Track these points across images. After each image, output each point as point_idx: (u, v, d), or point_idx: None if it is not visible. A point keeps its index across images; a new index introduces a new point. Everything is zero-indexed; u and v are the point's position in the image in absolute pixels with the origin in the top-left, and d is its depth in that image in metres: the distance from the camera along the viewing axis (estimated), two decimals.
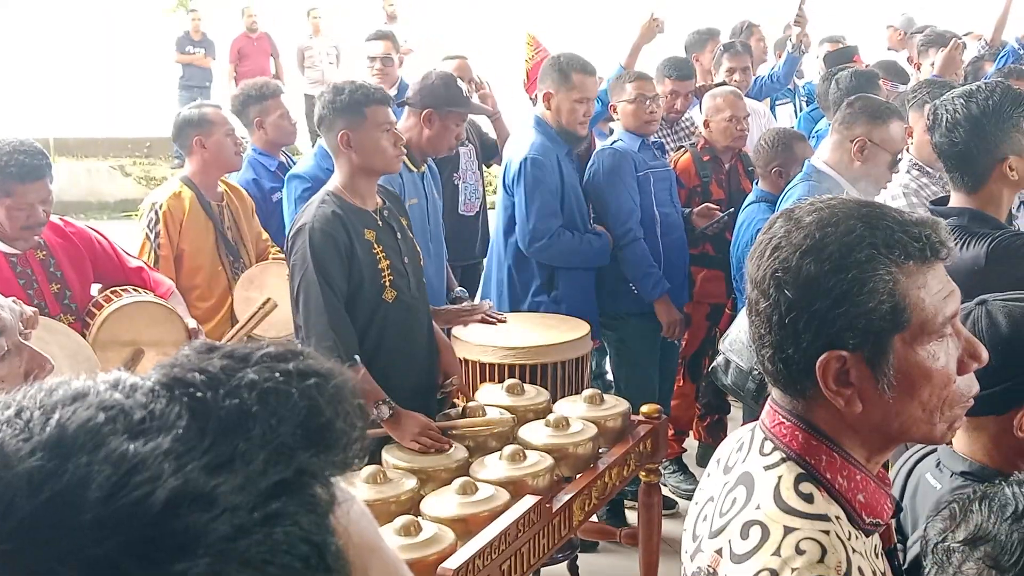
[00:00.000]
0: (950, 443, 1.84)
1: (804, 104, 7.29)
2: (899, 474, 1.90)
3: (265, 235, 4.36)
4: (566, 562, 3.82)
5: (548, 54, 5.23)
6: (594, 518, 3.72)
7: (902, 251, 1.28)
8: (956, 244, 2.59)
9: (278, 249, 4.20)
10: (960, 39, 5.10)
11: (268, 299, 3.81)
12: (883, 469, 1.42)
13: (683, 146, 5.20)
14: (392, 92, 5.31)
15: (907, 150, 3.62)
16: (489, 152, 5.45)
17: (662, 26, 5.34)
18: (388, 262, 3.33)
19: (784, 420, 1.36)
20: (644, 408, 3.58)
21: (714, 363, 3.29)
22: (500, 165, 4.84)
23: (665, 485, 4.75)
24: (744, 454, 1.41)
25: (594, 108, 4.56)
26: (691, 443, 5.26)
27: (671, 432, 4.74)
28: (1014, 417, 1.74)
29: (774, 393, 1.39)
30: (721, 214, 4.75)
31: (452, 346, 3.77)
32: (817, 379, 1.29)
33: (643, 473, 3.55)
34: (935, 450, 1.86)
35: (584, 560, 4.00)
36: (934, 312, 1.29)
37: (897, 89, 5.03)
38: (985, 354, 1.36)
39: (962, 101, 2.65)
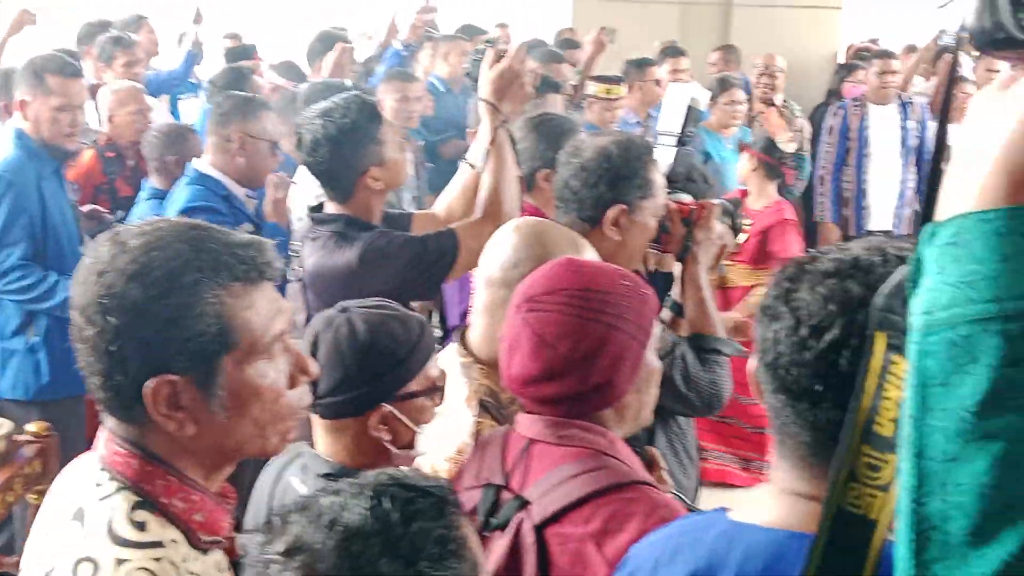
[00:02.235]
0: (313, 446, 1.92)
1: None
2: (267, 480, 1.94)
3: None
4: None
5: None
6: None
7: (229, 273, 1.29)
8: (333, 250, 2.74)
9: None
10: (349, 43, 5.37)
11: None
12: (227, 484, 1.43)
13: (84, 143, 4.90)
14: None
15: None
16: None
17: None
18: None
19: (120, 448, 1.32)
20: (31, 427, 3.31)
21: None
22: None
23: None
24: (78, 488, 1.34)
25: (82, 116, 3.94)
26: None
27: None
28: (369, 418, 1.85)
29: (108, 422, 1.34)
30: (109, 216, 4.55)
31: None
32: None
33: (33, 495, 3.28)
34: (301, 454, 1.93)
35: None
36: (262, 331, 1.32)
37: (297, 88, 5.17)
38: (315, 368, 1.43)
39: (320, 122, 2.73)
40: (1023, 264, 0.61)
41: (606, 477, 1.63)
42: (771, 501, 1.25)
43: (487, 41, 3.45)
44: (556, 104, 4.19)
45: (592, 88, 5.41)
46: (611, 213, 2.44)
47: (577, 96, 5.78)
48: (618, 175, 2.43)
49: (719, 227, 2.50)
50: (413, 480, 1.18)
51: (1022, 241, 0.61)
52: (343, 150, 2.72)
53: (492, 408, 2.05)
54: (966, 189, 0.64)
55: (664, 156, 2.52)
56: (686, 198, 2.57)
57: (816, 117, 6.87)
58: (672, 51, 6.68)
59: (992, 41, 0.67)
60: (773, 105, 6.65)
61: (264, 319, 1.32)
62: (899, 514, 0.65)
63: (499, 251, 2.14)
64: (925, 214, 0.67)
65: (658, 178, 2.51)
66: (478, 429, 2.01)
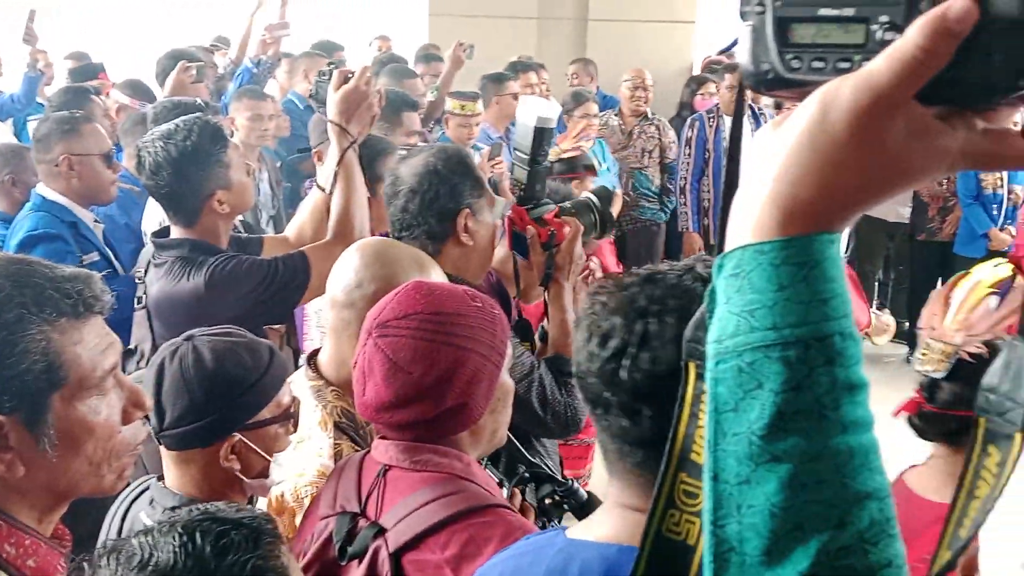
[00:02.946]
0: (162, 479, 1.88)
1: None
2: (115, 516, 1.89)
3: None
4: None
5: None
6: None
7: (54, 308, 1.25)
8: (178, 275, 2.68)
9: None
10: (199, 60, 5.25)
11: None
12: (62, 525, 1.38)
13: None
14: None
15: None
16: None
17: None
18: None
19: None
20: None
21: None
22: None
23: None
24: None
25: None
26: None
27: None
28: (219, 448, 1.82)
29: None
30: None
31: None
32: None
33: None
34: (149, 487, 1.88)
35: None
36: (92, 367, 1.29)
37: (143, 108, 5.04)
38: (148, 402, 1.40)
39: (161, 144, 2.68)
40: (798, 292, 0.64)
41: (462, 501, 1.63)
42: (605, 516, 1.28)
43: (331, 63, 3.44)
44: (412, 121, 4.19)
45: (449, 104, 5.43)
46: (460, 221, 2.46)
47: (435, 113, 5.79)
48: (451, 184, 2.46)
49: (579, 248, 2.53)
50: (225, 513, 1.17)
51: (796, 271, 0.64)
52: (186, 173, 2.68)
53: (349, 429, 2.04)
54: (744, 222, 0.67)
55: (518, 174, 2.55)
56: (549, 208, 2.57)
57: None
58: (521, 66, 6.75)
59: (763, 81, 0.71)
60: (646, 118, 6.81)
61: (93, 354, 1.29)
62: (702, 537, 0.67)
63: (342, 273, 2.13)
64: (719, 246, 0.70)
65: (483, 175, 2.57)
66: (337, 451, 2.00)
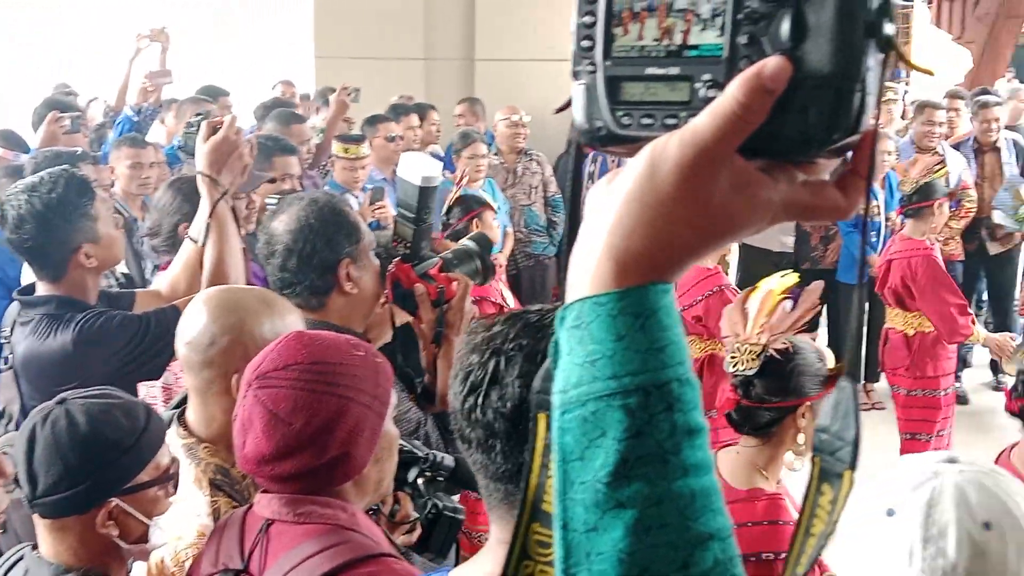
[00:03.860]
0: (36, 548, 1.82)
1: None
2: None
3: None
4: None
5: None
6: None
7: None
8: (45, 334, 2.61)
9: None
10: (77, 109, 5.15)
11: None
12: None
13: None
14: None
15: None
16: None
17: None
18: None
19: None
20: None
21: None
22: None
23: None
24: None
25: None
26: None
27: None
28: (96, 515, 1.77)
29: None
30: None
31: None
32: None
33: None
34: (23, 556, 1.82)
35: None
36: None
37: (17, 159, 4.91)
38: (9, 469, 1.36)
39: (25, 197, 2.62)
40: (636, 342, 0.66)
41: (347, 552, 1.61)
42: (487, 554, 1.29)
43: (198, 115, 3.42)
44: (286, 165, 4.18)
45: (334, 148, 5.41)
46: (341, 271, 2.41)
47: (322, 157, 5.77)
48: (327, 236, 2.40)
49: (468, 304, 2.51)
50: None
51: (633, 320, 0.66)
52: (51, 226, 2.62)
53: (225, 486, 2.01)
54: (582, 275, 0.69)
55: (403, 231, 2.53)
56: (433, 263, 2.56)
57: (559, 166, 7.14)
58: (402, 108, 6.77)
59: (597, 138, 0.73)
60: (526, 154, 6.84)
61: None
62: None
63: (191, 332, 2.07)
64: (561, 297, 0.72)
65: (358, 218, 2.52)
66: (215, 509, 1.96)
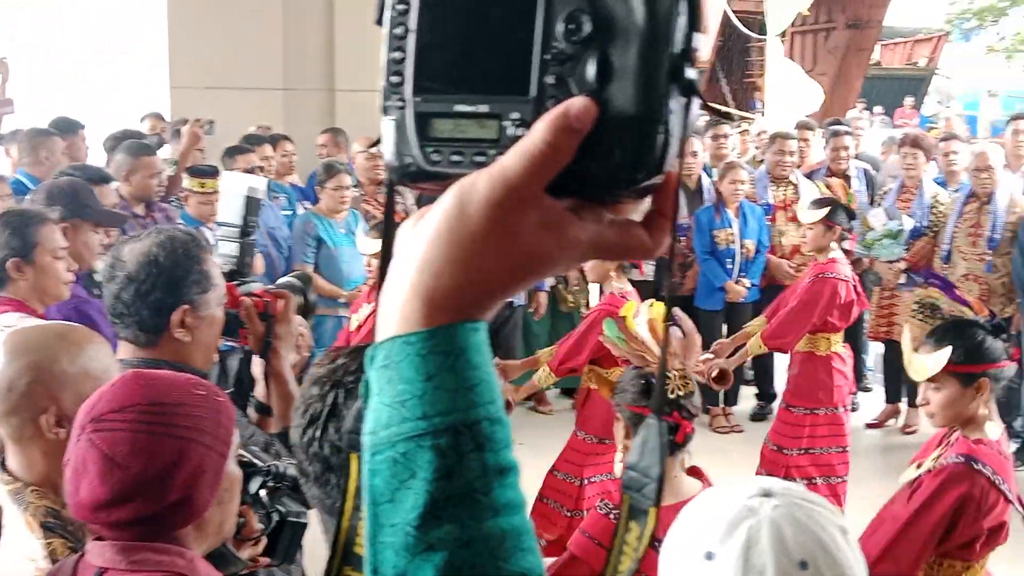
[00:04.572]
0: None
1: None
2: None
3: None
4: None
5: None
6: None
7: None
8: None
9: None
10: None
11: None
12: None
13: None
14: None
15: None
16: None
17: None
18: None
19: None
20: None
21: None
22: None
23: None
24: None
25: None
26: None
27: None
28: None
29: None
30: None
31: None
32: None
33: None
34: None
35: None
36: None
37: None
38: None
39: None
40: (445, 381, 0.66)
41: None
42: None
43: None
44: (102, 195, 4.17)
45: (187, 182, 5.29)
46: (176, 317, 2.30)
47: (175, 189, 5.63)
48: (172, 277, 2.30)
49: (296, 319, 2.50)
50: None
51: (442, 360, 0.66)
52: None
53: (57, 528, 1.93)
54: (392, 314, 0.68)
55: (227, 248, 2.48)
56: (256, 286, 2.53)
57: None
58: (256, 139, 6.68)
59: (407, 174, 0.73)
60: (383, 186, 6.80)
61: None
62: None
63: None
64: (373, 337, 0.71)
65: (214, 267, 2.42)
66: (51, 551, 1.88)
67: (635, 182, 0.68)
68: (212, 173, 5.25)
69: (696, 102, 0.69)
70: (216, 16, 7.92)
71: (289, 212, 6.60)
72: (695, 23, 0.68)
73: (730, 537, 1.35)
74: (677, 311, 2.79)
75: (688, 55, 0.68)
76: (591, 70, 0.67)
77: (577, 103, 0.66)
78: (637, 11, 0.67)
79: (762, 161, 7.87)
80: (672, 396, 2.59)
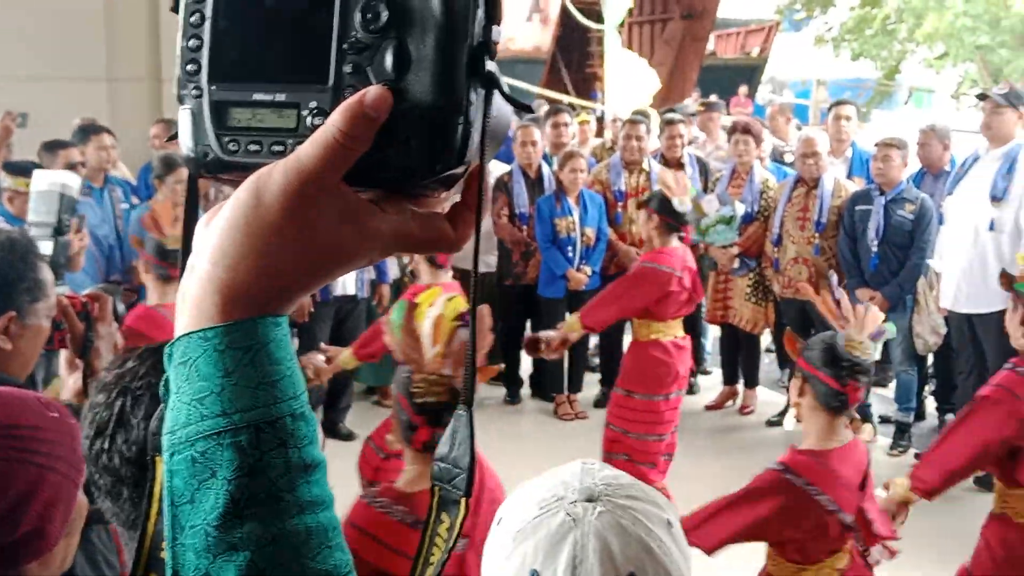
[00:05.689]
0: None
1: None
2: None
3: None
4: None
5: None
6: None
7: None
8: None
9: None
10: None
11: None
12: None
13: None
14: None
15: None
16: None
17: None
18: None
19: None
20: None
21: None
22: None
23: None
24: None
25: None
26: None
27: None
28: None
29: None
30: None
31: None
32: None
33: None
34: None
35: None
36: None
37: None
38: None
39: None
40: (245, 377, 0.64)
41: None
42: None
43: None
44: None
45: (8, 181, 5.03)
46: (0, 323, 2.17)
47: None
48: (3, 281, 2.18)
49: (113, 324, 2.39)
50: None
51: (241, 355, 0.64)
52: None
53: None
54: (188, 309, 0.66)
55: (44, 247, 2.38)
56: (64, 289, 2.44)
57: None
58: (93, 129, 6.42)
59: (203, 164, 0.70)
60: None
61: None
62: None
63: None
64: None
65: (47, 276, 2.30)
66: None
67: (434, 172, 0.68)
68: (27, 170, 5.00)
69: (497, 94, 0.69)
70: (32, 2, 7.54)
71: (126, 206, 6.34)
72: (493, 15, 0.68)
73: (556, 557, 1.31)
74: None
75: (487, 47, 0.68)
76: (388, 59, 0.66)
77: (373, 91, 0.66)
78: (433, 1, 0.66)
79: (612, 148, 8.00)
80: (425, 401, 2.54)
